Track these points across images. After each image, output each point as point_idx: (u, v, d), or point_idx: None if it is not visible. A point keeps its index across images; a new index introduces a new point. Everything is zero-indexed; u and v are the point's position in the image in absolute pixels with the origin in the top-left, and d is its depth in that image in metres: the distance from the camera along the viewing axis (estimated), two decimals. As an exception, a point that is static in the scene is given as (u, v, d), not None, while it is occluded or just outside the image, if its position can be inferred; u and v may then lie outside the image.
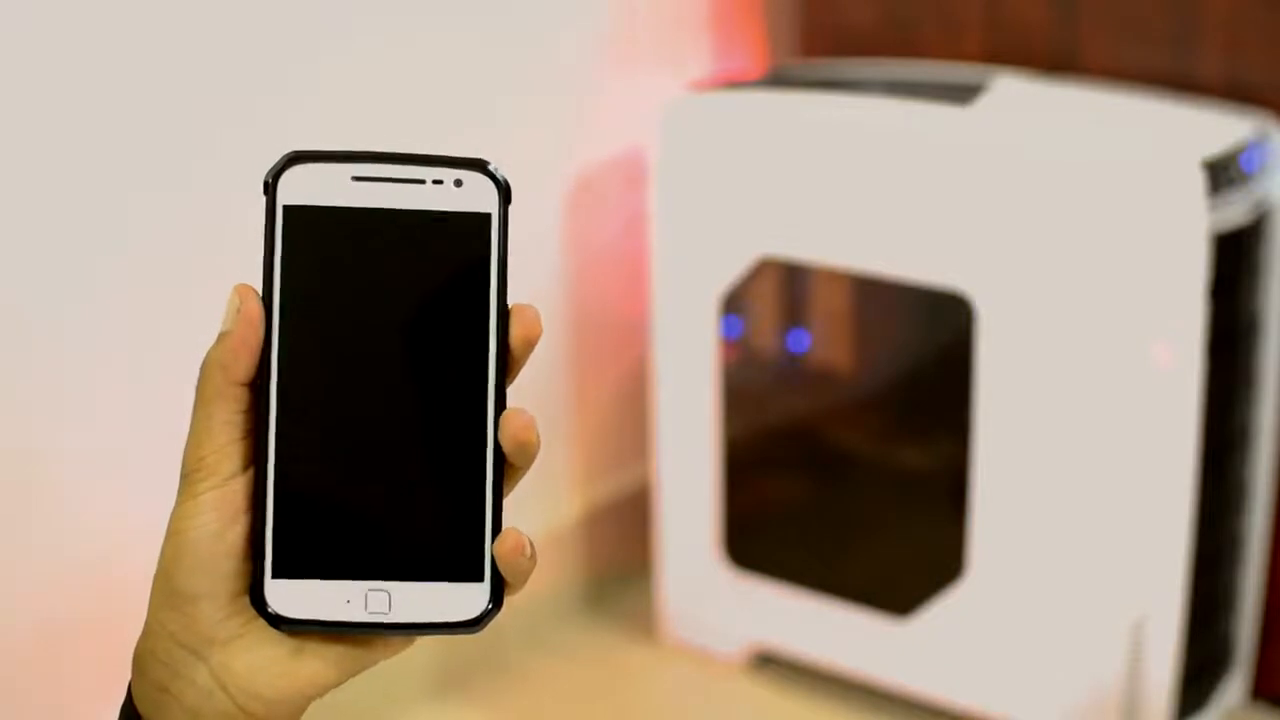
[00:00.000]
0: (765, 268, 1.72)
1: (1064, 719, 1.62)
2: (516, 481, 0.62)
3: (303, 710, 0.61)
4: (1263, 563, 1.68)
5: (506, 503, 0.61)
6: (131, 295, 1.41)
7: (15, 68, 1.30)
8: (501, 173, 0.61)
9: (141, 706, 0.61)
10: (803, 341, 1.78)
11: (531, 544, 0.61)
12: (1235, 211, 1.50)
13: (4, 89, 1.30)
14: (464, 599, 0.61)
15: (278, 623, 0.60)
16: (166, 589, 0.60)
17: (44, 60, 1.31)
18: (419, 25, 1.62)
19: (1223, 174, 1.47)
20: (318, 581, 0.60)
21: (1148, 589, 1.55)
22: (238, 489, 0.60)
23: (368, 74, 1.58)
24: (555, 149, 1.81)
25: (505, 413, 0.61)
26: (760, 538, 1.81)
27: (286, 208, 0.60)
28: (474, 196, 0.61)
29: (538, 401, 1.78)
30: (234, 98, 1.45)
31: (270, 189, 0.60)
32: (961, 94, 1.62)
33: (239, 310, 0.59)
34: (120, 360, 1.42)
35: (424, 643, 1.74)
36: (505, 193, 0.61)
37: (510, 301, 0.61)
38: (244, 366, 0.59)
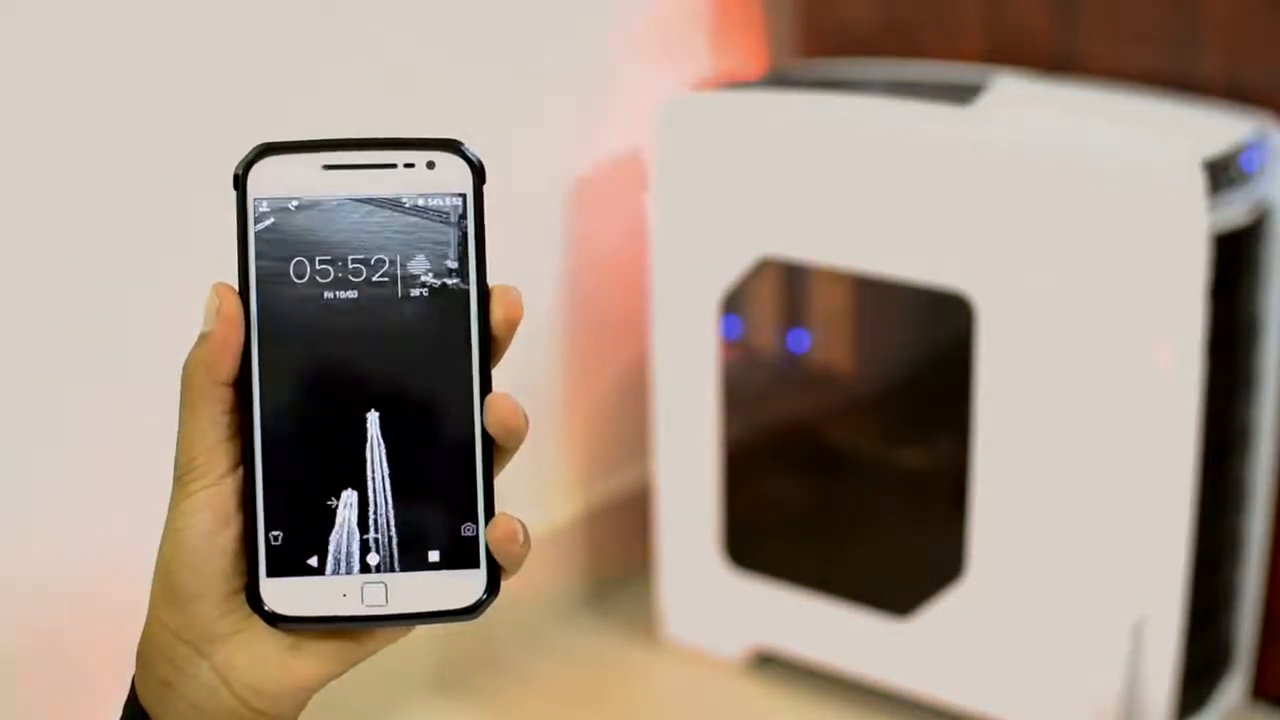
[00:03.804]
0: (765, 268, 1.72)
1: (1064, 719, 1.62)
2: (505, 464, 0.61)
3: (304, 703, 0.61)
4: (1263, 563, 1.67)
5: (502, 492, 0.61)
6: (131, 291, 1.41)
7: (16, 67, 1.30)
8: (474, 152, 0.60)
9: (146, 701, 0.61)
10: (803, 341, 1.78)
11: (524, 528, 0.60)
12: (1235, 211, 1.50)
13: (5, 89, 1.30)
14: (460, 587, 0.60)
15: (275, 621, 0.60)
16: (165, 587, 0.60)
17: (45, 60, 1.31)
18: (418, 26, 1.62)
19: (1223, 174, 1.47)
20: (313, 578, 0.60)
21: (1148, 589, 1.55)
22: (229, 488, 0.60)
23: (366, 75, 1.58)
24: (555, 149, 1.81)
25: (490, 397, 0.60)
26: (760, 538, 1.81)
27: (258, 200, 0.60)
28: (448, 178, 0.60)
29: (538, 401, 1.78)
30: (233, 96, 1.45)
31: (240, 182, 0.60)
32: (961, 94, 1.62)
33: (218, 310, 0.59)
34: (121, 358, 1.42)
35: (423, 643, 1.73)
36: (479, 173, 0.60)
37: (490, 283, 0.61)
38: (227, 367, 0.59)
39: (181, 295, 1.40)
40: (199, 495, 0.59)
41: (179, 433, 0.60)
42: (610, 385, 1.95)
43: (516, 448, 0.61)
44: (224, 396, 0.60)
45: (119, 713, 0.63)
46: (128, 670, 0.63)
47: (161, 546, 0.60)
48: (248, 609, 0.60)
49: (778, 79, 1.77)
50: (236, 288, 0.60)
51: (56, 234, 1.36)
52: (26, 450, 1.37)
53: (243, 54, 1.46)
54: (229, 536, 0.60)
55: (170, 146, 1.41)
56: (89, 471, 1.41)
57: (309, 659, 0.60)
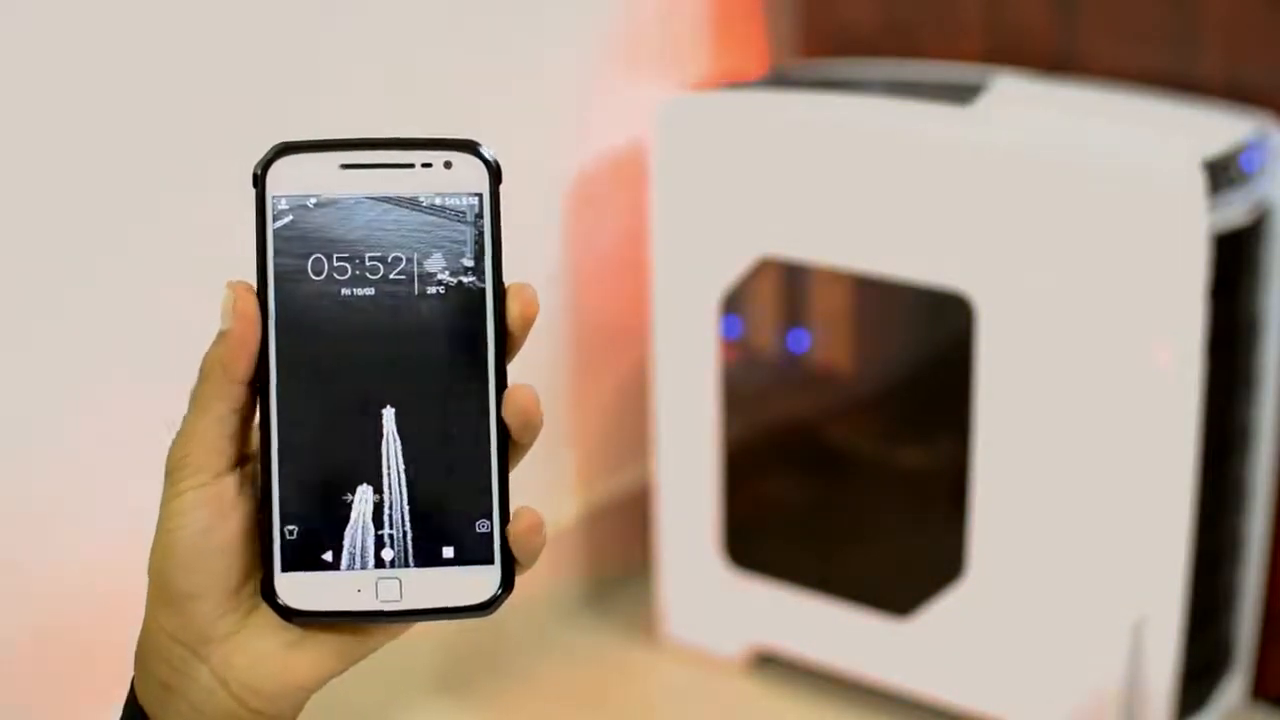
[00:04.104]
0: (765, 268, 1.72)
1: (1064, 719, 1.62)
2: (519, 460, 0.62)
3: (302, 703, 0.61)
4: (1263, 563, 1.68)
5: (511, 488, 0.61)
6: (134, 295, 1.41)
7: (17, 67, 1.30)
8: (491, 152, 0.61)
9: (145, 702, 0.61)
10: (803, 341, 1.78)
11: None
12: (1235, 211, 1.50)
13: (6, 89, 1.30)
14: (475, 583, 0.60)
15: (289, 615, 0.60)
16: (160, 589, 0.60)
17: (50, 59, 1.31)
18: (419, 25, 1.62)
19: (1223, 174, 1.47)
20: (328, 573, 0.60)
21: (1148, 589, 1.55)
22: (227, 486, 0.60)
23: (366, 75, 1.58)
24: (555, 149, 1.81)
25: (509, 389, 0.61)
26: (760, 538, 1.81)
27: (276, 198, 0.60)
28: (464, 178, 0.61)
29: (538, 401, 1.77)
30: (229, 97, 1.45)
31: (259, 181, 0.60)
32: (961, 94, 1.62)
33: (235, 309, 0.59)
34: (122, 360, 1.42)
35: (424, 643, 1.73)
36: (495, 172, 0.61)
37: (506, 281, 0.61)
38: (243, 366, 0.59)
39: (184, 294, 1.40)
40: (192, 494, 0.59)
41: (180, 430, 0.60)
42: (610, 385, 1.95)
43: (531, 442, 0.61)
44: (236, 395, 0.60)
45: (119, 713, 0.63)
46: (127, 670, 0.63)
47: (153, 547, 0.60)
48: (245, 608, 0.60)
49: (778, 79, 1.77)
50: (252, 284, 0.60)
51: (58, 233, 1.36)
52: (27, 450, 1.37)
53: (244, 55, 1.46)
54: (226, 535, 0.59)
55: (177, 146, 1.41)
56: (89, 471, 1.41)
57: (308, 657, 0.60)
